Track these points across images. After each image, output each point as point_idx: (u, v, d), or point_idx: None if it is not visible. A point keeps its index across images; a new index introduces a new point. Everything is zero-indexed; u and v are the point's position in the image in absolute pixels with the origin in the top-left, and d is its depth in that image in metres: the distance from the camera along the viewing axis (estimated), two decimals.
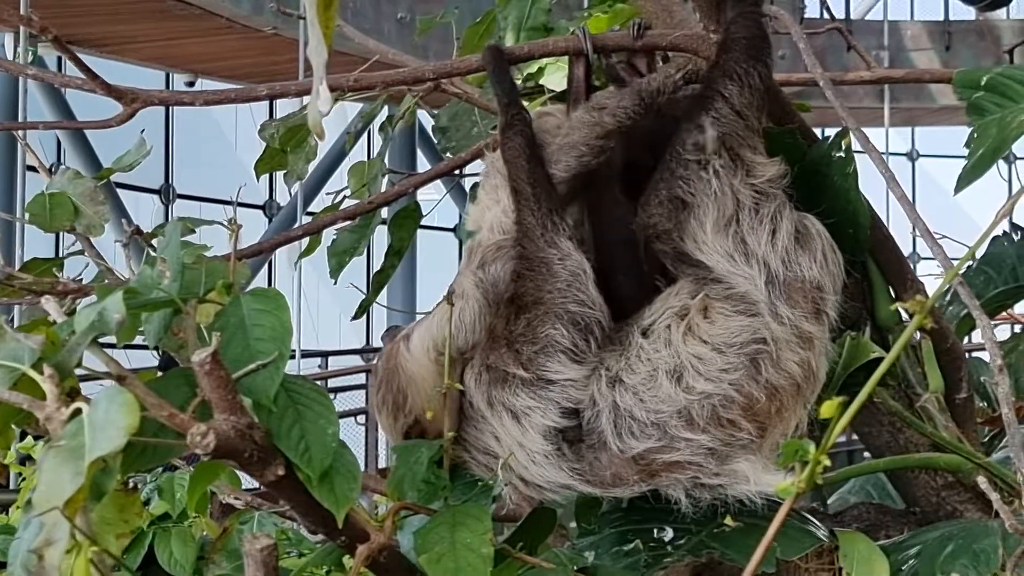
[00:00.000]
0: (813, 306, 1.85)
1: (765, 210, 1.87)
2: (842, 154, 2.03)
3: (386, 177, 2.82)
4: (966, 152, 1.77)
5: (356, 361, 16.12)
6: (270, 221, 17.42)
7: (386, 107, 2.99)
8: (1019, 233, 3.01)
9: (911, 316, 0.97)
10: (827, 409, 0.86)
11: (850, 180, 2.02)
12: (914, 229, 1.78)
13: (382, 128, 2.81)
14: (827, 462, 0.90)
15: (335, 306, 15.98)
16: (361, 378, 14.37)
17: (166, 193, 16.81)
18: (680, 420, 1.79)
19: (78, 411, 1.22)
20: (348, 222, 2.59)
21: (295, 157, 2.70)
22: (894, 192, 1.66)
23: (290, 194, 15.64)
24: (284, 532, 3.13)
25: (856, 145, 1.95)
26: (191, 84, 15.67)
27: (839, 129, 2.02)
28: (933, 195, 19.46)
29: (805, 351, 1.83)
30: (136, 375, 1.38)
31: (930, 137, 21.82)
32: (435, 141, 2.89)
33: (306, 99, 2.74)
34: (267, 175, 2.93)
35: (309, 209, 15.35)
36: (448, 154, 2.75)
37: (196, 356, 1.36)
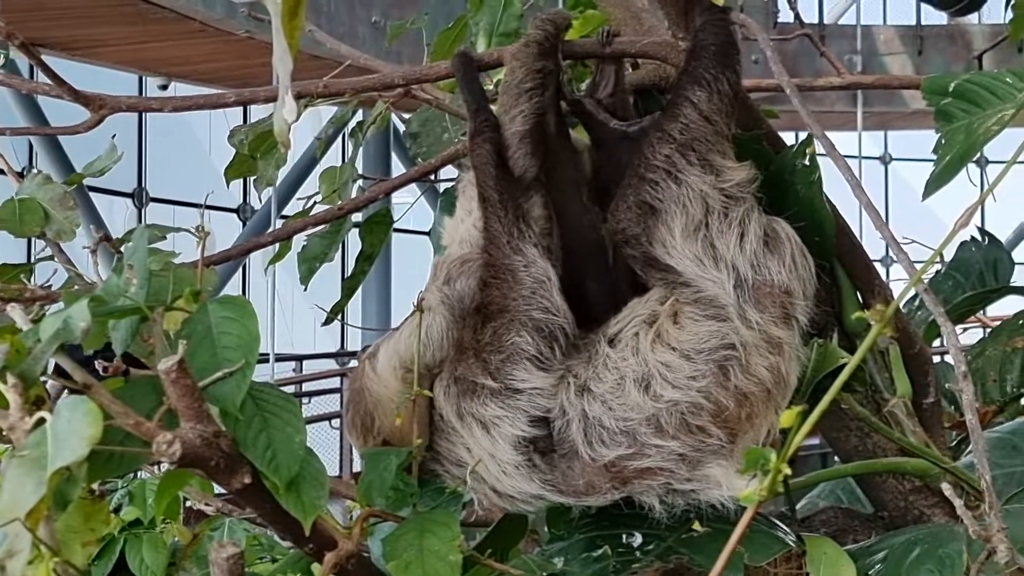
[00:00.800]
0: (782, 310, 1.85)
1: (734, 214, 1.87)
2: (807, 163, 2.04)
3: (357, 183, 2.82)
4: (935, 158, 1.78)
5: (331, 365, 16.12)
6: (244, 225, 17.38)
7: (360, 112, 2.99)
8: (986, 238, 3.04)
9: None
10: (787, 418, 0.87)
11: (815, 188, 2.03)
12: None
13: (352, 134, 2.81)
14: (788, 471, 0.90)
15: (309, 310, 15.94)
16: (336, 382, 14.36)
17: (139, 197, 16.76)
18: (649, 427, 1.79)
19: (42, 420, 1.22)
20: (319, 228, 2.59)
21: (265, 163, 2.70)
22: (860, 200, 1.67)
23: (260, 200, 15.61)
24: (256, 538, 3.12)
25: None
26: (164, 87, 15.63)
27: (804, 136, 2.03)
28: (906, 198, 19.60)
29: (774, 356, 1.83)
30: (102, 383, 1.38)
31: (903, 141, 21.97)
32: (406, 146, 2.89)
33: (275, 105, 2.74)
34: (241, 179, 2.92)
35: (284, 213, 15.33)
36: (419, 159, 2.76)
37: (163, 364, 1.35)
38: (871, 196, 1.73)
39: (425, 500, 1.82)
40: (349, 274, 2.72)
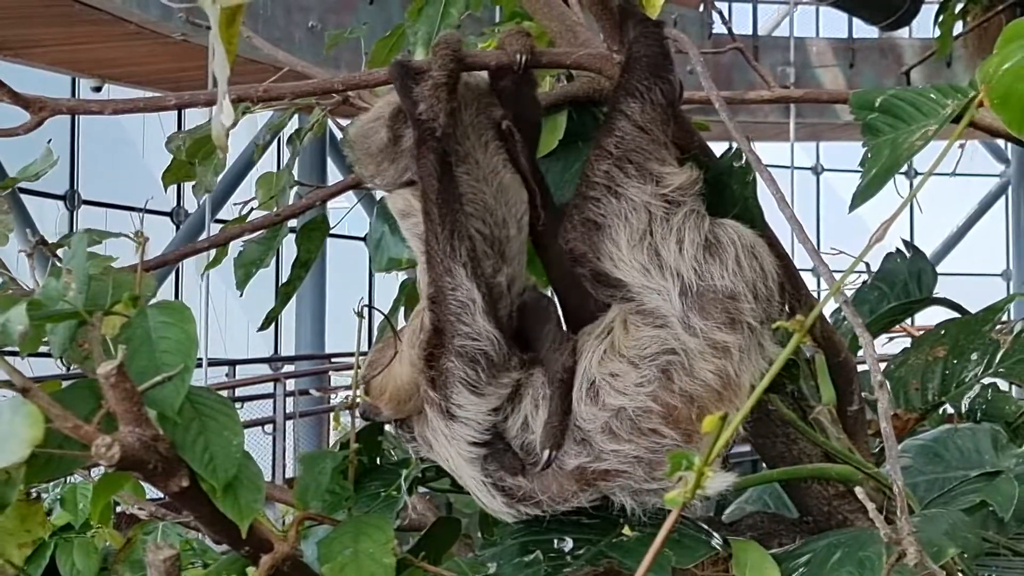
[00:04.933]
0: (726, 315, 1.86)
1: (675, 219, 1.90)
2: (742, 164, 2.08)
3: (294, 189, 2.83)
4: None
5: (264, 370, 15.99)
6: (177, 228, 17.22)
7: (296, 118, 2.99)
8: (911, 250, 3.12)
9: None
10: (708, 423, 0.90)
11: (749, 188, 2.07)
12: (817, 243, 1.83)
13: (290, 140, 2.82)
14: (711, 473, 0.94)
15: (243, 315, 15.84)
16: (269, 387, 14.24)
17: (71, 199, 16.55)
18: (603, 435, 1.84)
19: None
20: (256, 233, 2.60)
21: (203, 169, 2.70)
22: (784, 212, 1.71)
23: (199, 202, 15.46)
24: (188, 542, 3.11)
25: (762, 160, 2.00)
26: (98, 89, 15.45)
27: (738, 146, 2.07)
28: (837, 208, 19.84)
29: (720, 360, 1.85)
30: (40, 386, 1.38)
31: (835, 152, 22.25)
32: (344, 153, 2.90)
33: (214, 110, 2.75)
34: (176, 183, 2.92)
35: (218, 217, 15.21)
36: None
37: (102, 368, 1.37)
38: (803, 207, 1.77)
39: (360, 504, 1.85)
40: (285, 280, 2.73)
